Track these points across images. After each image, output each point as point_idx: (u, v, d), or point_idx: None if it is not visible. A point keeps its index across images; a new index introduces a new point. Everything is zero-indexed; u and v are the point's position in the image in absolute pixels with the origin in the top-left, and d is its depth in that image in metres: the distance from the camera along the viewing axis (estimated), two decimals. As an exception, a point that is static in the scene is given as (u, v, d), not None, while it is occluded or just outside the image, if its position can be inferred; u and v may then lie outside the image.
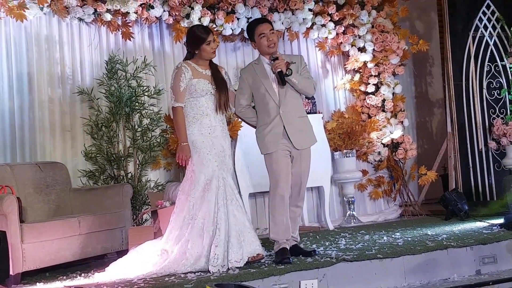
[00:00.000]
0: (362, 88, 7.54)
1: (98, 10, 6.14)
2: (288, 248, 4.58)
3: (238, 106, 4.76)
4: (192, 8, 6.46)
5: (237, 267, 4.27)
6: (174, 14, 6.50)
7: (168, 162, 6.53)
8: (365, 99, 7.51)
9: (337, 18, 7.26)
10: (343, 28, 7.34)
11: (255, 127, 4.78)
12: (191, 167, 4.58)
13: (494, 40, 6.93)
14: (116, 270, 4.58)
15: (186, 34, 4.78)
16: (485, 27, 6.96)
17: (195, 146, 4.53)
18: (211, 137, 4.57)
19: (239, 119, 4.99)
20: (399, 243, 4.93)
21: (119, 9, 6.19)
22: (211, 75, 4.66)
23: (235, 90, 4.85)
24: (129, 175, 6.24)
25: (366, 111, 7.53)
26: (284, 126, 4.58)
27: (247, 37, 6.92)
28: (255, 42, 4.72)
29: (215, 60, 4.84)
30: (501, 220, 5.49)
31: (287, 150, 4.61)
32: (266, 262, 4.47)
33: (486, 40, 6.95)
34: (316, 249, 4.83)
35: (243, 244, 4.39)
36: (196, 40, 4.59)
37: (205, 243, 4.38)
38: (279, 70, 4.53)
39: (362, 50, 7.45)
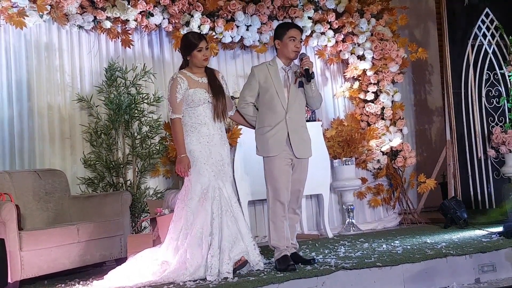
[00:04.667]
0: (361, 96, 7.55)
1: (97, 17, 6.16)
2: (289, 255, 4.58)
3: (242, 101, 4.73)
4: (192, 16, 6.47)
5: (226, 278, 4.25)
6: (173, 21, 6.51)
7: (167, 169, 6.53)
8: (364, 107, 7.52)
9: (337, 26, 7.28)
10: (342, 36, 7.36)
11: (251, 127, 4.80)
12: (188, 176, 4.57)
13: (493, 49, 6.95)
14: (115, 278, 4.55)
15: (180, 40, 4.77)
16: (484, 36, 6.98)
17: (192, 156, 4.52)
18: (209, 145, 4.55)
19: (234, 122, 4.96)
20: (398, 251, 4.93)
21: (119, 17, 6.21)
22: (207, 83, 4.64)
23: (231, 97, 4.87)
24: (128, 182, 6.24)
25: (365, 119, 7.53)
26: (288, 133, 4.59)
27: (247, 45, 7.01)
28: (280, 41, 4.67)
29: (214, 67, 4.83)
30: (500, 229, 5.49)
31: (289, 158, 4.61)
32: (266, 270, 4.46)
33: (485, 49, 6.97)
34: (315, 257, 4.82)
35: (231, 256, 4.37)
36: (188, 46, 4.57)
37: (204, 252, 4.36)
38: (307, 67, 4.54)
39: (361, 58, 7.46)
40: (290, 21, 7.00)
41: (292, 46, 4.62)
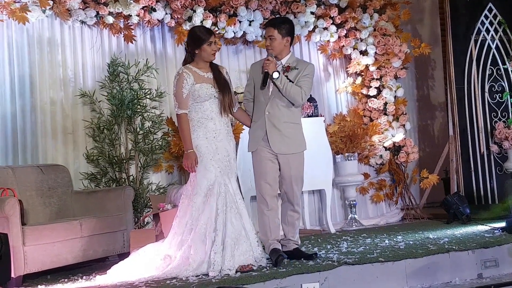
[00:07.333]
0: (364, 91, 7.54)
1: (100, 12, 6.15)
2: (280, 248, 4.61)
3: (244, 98, 4.90)
4: (194, 11, 6.47)
5: (228, 275, 4.24)
6: (176, 17, 6.51)
7: (169, 165, 6.54)
8: (367, 102, 7.50)
9: (339, 21, 7.26)
10: (345, 31, 7.34)
11: (248, 125, 4.87)
12: (195, 171, 4.56)
13: (496, 44, 6.93)
14: (118, 273, 4.56)
15: (188, 34, 4.77)
16: (487, 31, 6.96)
17: (199, 151, 4.53)
18: (216, 141, 4.56)
19: (236, 119, 5.02)
20: (401, 247, 4.93)
21: (121, 12, 6.20)
22: (213, 78, 4.64)
23: (234, 92, 4.91)
24: (131, 177, 6.24)
25: (368, 114, 7.52)
26: (266, 129, 4.62)
27: (249, 40, 7.01)
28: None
29: (216, 62, 4.83)
30: (503, 224, 5.49)
31: (270, 153, 4.63)
32: (268, 265, 4.47)
33: (488, 44, 6.95)
34: (317, 252, 4.84)
35: (235, 253, 4.37)
36: (197, 40, 4.57)
37: (207, 249, 4.37)
38: (266, 71, 4.57)
39: (364, 53, 7.45)
40: (292, 16, 6.99)
41: (265, 45, 4.74)
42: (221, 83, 4.65)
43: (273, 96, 4.64)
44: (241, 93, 5.85)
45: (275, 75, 4.54)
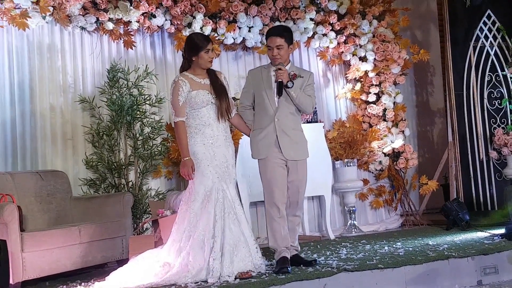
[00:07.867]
0: (363, 97, 7.55)
1: (100, 19, 6.16)
2: (289, 256, 4.59)
3: (240, 105, 4.84)
4: (194, 17, 6.48)
5: (227, 281, 4.23)
6: (176, 23, 6.52)
7: (169, 170, 6.54)
8: (366, 108, 7.51)
9: (338, 28, 7.28)
10: (344, 38, 7.36)
11: (246, 131, 4.84)
12: (193, 178, 4.56)
13: (495, 50, 6.94)
14: (116, 279, 4.55)
15: (185, 41, 4.76)
16: (486, 37, 6.97)
17: (196, 157, 4.52)
18: (214, 147, 4.55)
19: (233, 125, 5.00)
20: (400, 253, 4.93)
21: (121, 18, 6.21)
22: (210, 84, 4.64)
23: (233, 98, 4.88)
24: (130, 183, 6.24)
25: (367, 120, 7.53)
26: (277, 135, 4.61)
27: (249, 46, 7.02)
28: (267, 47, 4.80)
29: (216, 68, 4.83)
30: (502, 230, 5.48)
31: (281, 159, 4.63)
32: (267, 272, 4.46)
33: (487, 50, 6.96)
34: (317, 258, 4.84)
35: (234, 259, 4.36)
36: (195, 47, 4.57)
37: (206, 255, 4.36)
38: (280, 80, 4.56)
39: (363, 59, 7.46)
40: (292, 23, 7.00)
41: (270, 55, 4.70)
42: (218, 88, 4.65)
43: (281, 103, 4.65)
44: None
45: (289, 84, 4.56)
